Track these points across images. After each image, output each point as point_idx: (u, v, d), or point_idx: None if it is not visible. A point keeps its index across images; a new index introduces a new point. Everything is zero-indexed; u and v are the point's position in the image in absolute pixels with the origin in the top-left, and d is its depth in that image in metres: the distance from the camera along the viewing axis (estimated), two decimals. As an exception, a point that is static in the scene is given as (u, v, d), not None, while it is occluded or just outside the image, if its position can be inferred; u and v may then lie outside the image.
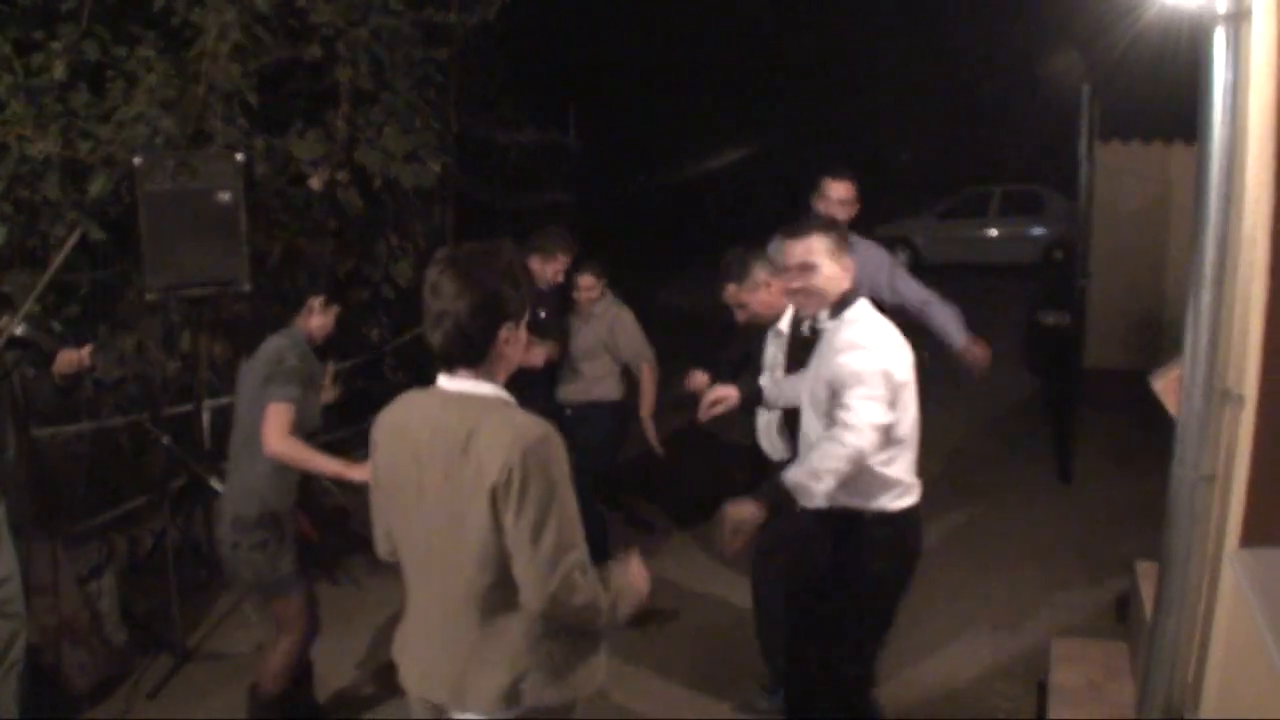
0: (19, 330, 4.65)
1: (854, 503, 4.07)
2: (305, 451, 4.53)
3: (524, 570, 2.79)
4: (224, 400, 7.67)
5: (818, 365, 4.22)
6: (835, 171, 6.10)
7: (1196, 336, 3.39)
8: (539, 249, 6.60)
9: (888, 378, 3.89)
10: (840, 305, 4.16)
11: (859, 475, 3.93)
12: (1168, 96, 10.89)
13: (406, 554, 3.05)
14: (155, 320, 7.71)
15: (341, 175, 8.78)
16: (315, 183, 8.58)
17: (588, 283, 6.86)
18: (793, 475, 3.81)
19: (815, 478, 3.78)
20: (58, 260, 5.08)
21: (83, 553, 6.55)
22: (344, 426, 7.95)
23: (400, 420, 3.00)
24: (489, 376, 2.92)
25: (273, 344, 4.64)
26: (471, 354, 2.87)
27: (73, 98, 7.14)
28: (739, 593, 6.75)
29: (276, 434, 4.47)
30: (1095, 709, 4.81)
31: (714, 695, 5.65)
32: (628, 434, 7.04)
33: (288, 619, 4.87)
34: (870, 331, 4.07)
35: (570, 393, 6.92)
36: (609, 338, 6.85)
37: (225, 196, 6.38)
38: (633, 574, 3.13)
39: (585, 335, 6.86)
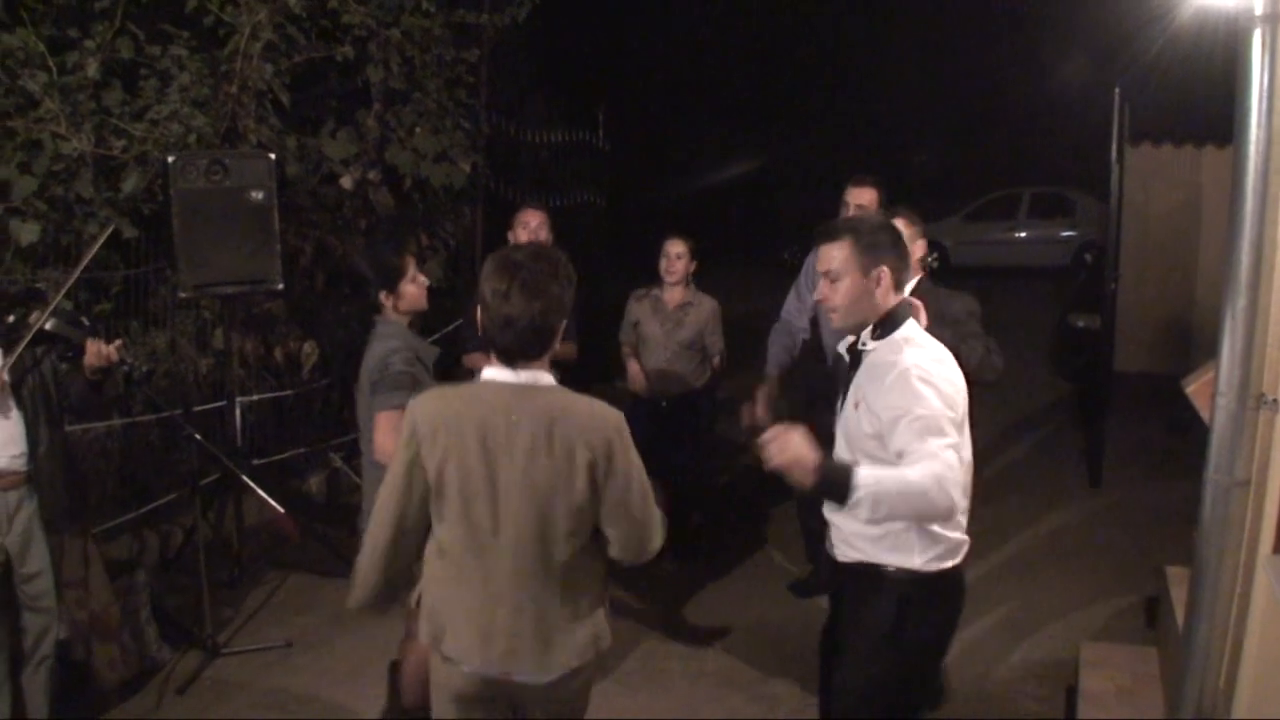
0: (49, 325, 4.67)
1: (881, 558, 3.56)
2: None
3: (629, 534, 3.21)
4: (255, 397, 7.72)
5: (857, 395, 3.59)
6: (856, 179, 6.19)
7: (1231, 341, 3.36)
8: None
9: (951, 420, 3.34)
10: (887, 324, 3.55)
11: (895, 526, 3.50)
12: (1199, 99, 10.87)
13: (466, 536, 3.21)
14: (188, 317, 7.76)
15: (372, 175, 8.81)
16: (346, 182, 8.62)
17: (678, 249, 6.99)
18: (864, 486, 3.16)
19: (873, 507, 3.18)
20: (87, 256, 5.09)
21: (114, 548, 6.61)
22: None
23: (459, 411, 3.16)
24: (544, 366, 3.20)
25: (380, 348, 4.56)
26: (538, 349, 3.15)
27: (106, 96, 7.19)
28: (763, 593, 6.78)
29: (386, 444, 4.40)
30: (1124, 714, 4.79)
31: (739, 695, 5.65)
32: None
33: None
34: (930, 360, 3.44)
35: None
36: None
37: (258, 195, 6.42)
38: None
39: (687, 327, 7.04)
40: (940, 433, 3.26)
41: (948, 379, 3.40)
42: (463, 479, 3.14)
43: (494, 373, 3.19)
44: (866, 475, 3.17)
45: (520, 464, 3.08)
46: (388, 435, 4.42)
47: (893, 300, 3.54)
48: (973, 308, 5.12)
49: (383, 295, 4.69)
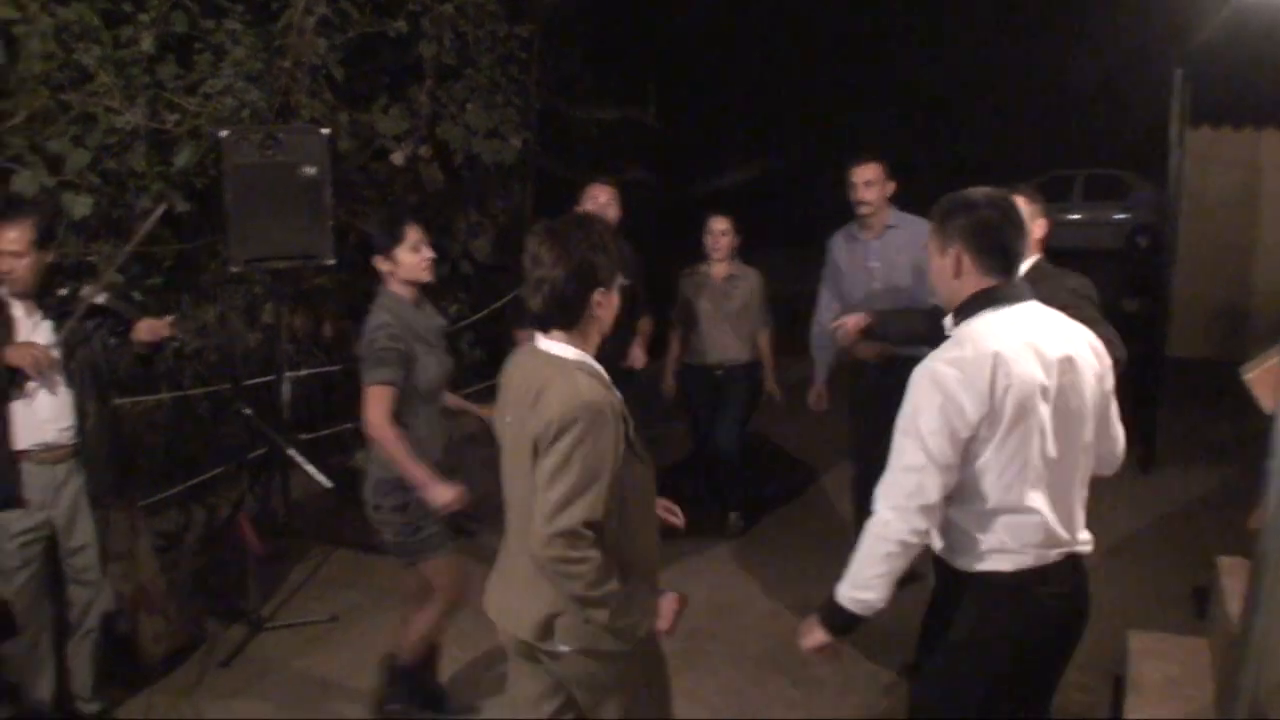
0: (100, 299, 4.69)
1: (946, 555, 3.48)
2: (399, 446, 4.48)
3: (536, 509, 3.05)
4: (304, 372, 7.74)
5: None
6: (856, 157, 6.23)
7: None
8: None
9: (951, 434, 3.14)
10: (961, 311, 3.33)
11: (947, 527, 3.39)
12: (1260, 81, 10.69)
13: (504, 492, 3.37)
14: (238, 292, 7.78)
15: (424, 150, 8.82)
16: (398, 158, 8.62)
17: (722, 226, 7.25)
18: (840, 599, 3.33)
19: (865, 589, 3.31)
20: (141, 232, 5.10)
21: (161, 521, 6.64)
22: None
23: (508, 372, 3.34)
24: (580, 338, 3.20)
25: (371, 322, 4.60)
26: (567, 317, 3.15)
27: (160, 70, 7.20)
28: (806, 573, 6.75)
29: (374, 418, 4.48)
30: (1174, 706, 4.72)
31: (782, 678, 5.63)
32: None
33: (433, 583, 4.82)
34: (951, 360, 3.18)
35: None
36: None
37: (310, 170, 6.41)
38: (663, 610, 3.32)
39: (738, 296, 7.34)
40: (911, 454, 3.18)
41: (969, 384, 3.12)
42: (503, 440, 3.32)
43: (537, 339, 3.25)
44: (837, 591, 3.35)
45: (515, 431, 3.18)
46: (373, 409, 4.48)
47: (973, 285, 3.29)
48: (1080, 287, 4.76)
49: (380, 260, 4.68)
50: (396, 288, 4.71)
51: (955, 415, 3.13)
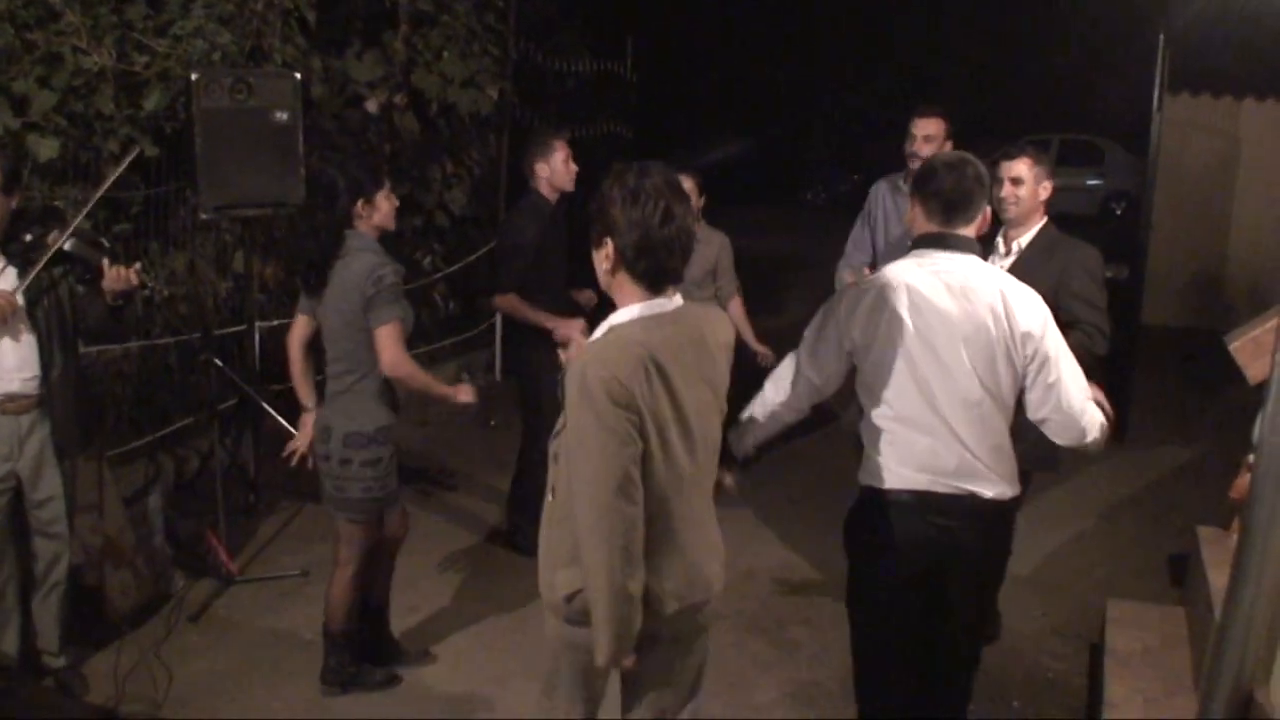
0: (67, 245, 4.56)
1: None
2: (422, 374, 4.73)
3: None
4: (275, 322, 7.63)
5: None
6: (921, 109, 6.16)
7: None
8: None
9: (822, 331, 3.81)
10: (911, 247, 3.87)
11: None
12: (1241, 50, 10.65)
13: (667, 477, 3.03)
14: (208, 239, 7.65)
15: (399, 99, 8.69)
16: (372, 105, 8.50)
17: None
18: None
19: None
20: (111, 177, 4.99)
21: (129, 472, 6.54)
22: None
23: (654, 349, 2.95)
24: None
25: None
26: (683, 271, 3.17)
27: (129, 10, 7.04)
28: (783, 538, 6.71)
29: (397, 356, 4.54)
30: (1152, 675, 4.71)
31: (759, 639, 5.60)
32: None
33: (356, 541, 4.84)
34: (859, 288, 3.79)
35: None
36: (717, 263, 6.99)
37: (282, 116, 6.26)
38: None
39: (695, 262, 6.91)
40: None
41: (851, 306, 3.71)
42: (664, 420, 2.97)
43: (652, 305, 3.07)
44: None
45: (699, 385, 3.09)
46: (395, 348, 4.54)
47: (918, 229, 3.78)
48: (1090, 260, 4.95)
49: (360, 204, 4.64)
50: (370, 232, 4.69)
51: (835, 323, 3.75)
